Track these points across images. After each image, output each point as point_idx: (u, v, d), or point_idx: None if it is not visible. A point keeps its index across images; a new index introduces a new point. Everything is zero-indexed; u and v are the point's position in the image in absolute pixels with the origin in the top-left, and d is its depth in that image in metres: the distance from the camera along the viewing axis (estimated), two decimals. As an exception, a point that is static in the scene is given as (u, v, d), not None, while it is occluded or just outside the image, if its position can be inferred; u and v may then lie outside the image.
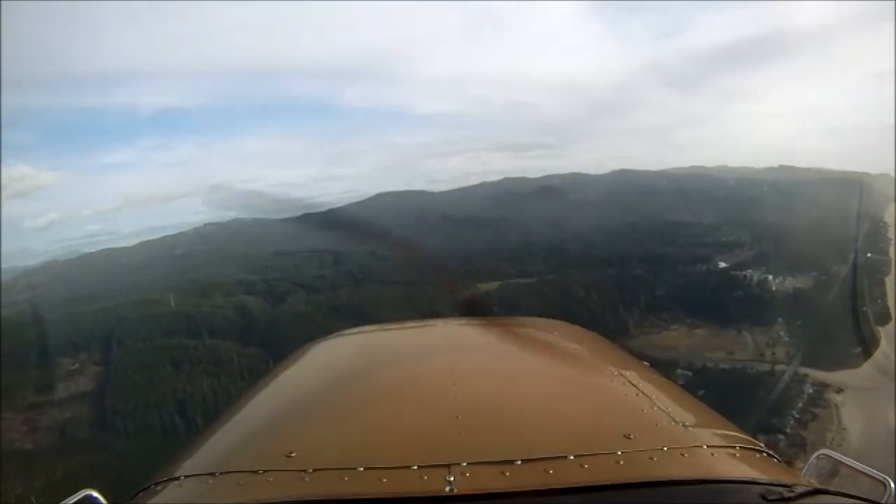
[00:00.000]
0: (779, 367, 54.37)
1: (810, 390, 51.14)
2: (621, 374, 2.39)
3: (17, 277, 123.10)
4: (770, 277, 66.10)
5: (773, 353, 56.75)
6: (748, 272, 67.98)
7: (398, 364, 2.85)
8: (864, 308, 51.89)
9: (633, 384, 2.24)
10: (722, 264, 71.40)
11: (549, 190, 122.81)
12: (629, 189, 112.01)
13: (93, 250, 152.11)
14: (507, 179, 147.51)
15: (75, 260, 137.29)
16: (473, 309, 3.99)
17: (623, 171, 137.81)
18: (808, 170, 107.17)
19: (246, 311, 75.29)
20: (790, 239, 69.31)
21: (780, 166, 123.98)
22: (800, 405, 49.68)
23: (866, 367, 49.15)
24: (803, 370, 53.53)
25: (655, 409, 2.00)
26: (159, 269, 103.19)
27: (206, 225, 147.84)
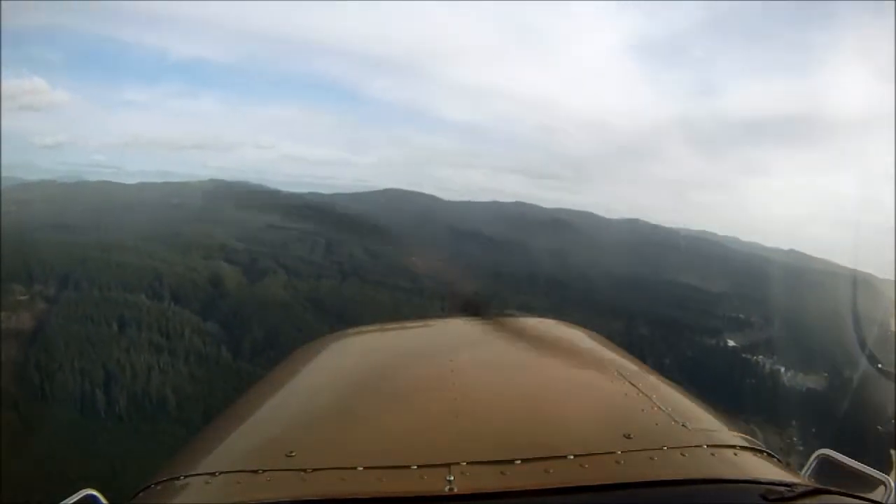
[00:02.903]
0: (797, 487, 44.49)
1: (832, 525, 40.94)
2: (621, 374, 2.27)
3: (10, 190, 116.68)
4: (782, 370, 57.58)
5: (788, 464, 46.78)
6: (759, 358, 59.55)
7: (398, 364, 2.64)
8: (880, 428, 42.35)
9: (633, 384, 2.14)
10: (731, 343, 62.82)
11: (561, 223, 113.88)
12: (640, 240, 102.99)
13: (94, 180, 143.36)
14: (519, 203, 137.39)
15: (71, 185, 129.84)
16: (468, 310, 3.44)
17: (636, 221, 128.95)
18: (817, 259, 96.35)
19: (219, 281, 65.29)
20: (800, 329, 59.49)
21: (790, 250, 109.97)
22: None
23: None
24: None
25: (655, 409, 1.91)
26: (148, 214, 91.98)
27: (211, 180, 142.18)
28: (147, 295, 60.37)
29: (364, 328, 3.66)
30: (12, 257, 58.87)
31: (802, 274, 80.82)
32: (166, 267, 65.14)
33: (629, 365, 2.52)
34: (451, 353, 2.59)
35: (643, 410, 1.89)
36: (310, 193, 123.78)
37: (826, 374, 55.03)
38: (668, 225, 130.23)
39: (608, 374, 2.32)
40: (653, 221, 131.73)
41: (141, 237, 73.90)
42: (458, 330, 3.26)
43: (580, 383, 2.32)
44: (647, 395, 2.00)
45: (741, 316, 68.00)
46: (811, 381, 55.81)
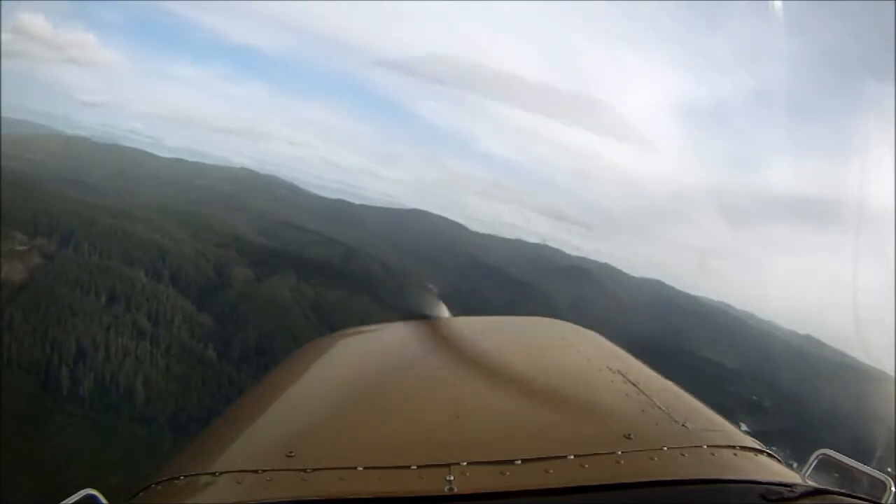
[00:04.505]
0: None
1: None
2: (621, 374, 2.24)
3: (41, 138, 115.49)
4: (794, 465, 51.16)
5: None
6: (773, 449, 53.72)
7: (398, 364, 2.54)
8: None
9: (633, 384, 2.12)
10: (743, 427, 55.77)
11: (582, 272, 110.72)
12: (659, 302, 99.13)
13: (128, 146, 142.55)
14: (543, 246, 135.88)
15: (105, 146, 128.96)
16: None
17: (657, 282, 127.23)
18: (833, 349, 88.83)
19: (225, 271, 60.13)
20: (814, 423, 53.51)
21: (807, 335, 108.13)
22: None
23: None
24: None
25: (655, 409, 1.89)
26: (171, 189, 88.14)
27: (242, 168, 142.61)
28: (146, 272, 55.46)
29: (364, 328, 3.44)
30: (24, 204, 55.80)
31: (818, 363, 77.16)
32: (174, 246, 60.23)
33: (629, 365, 2.42)
34: (451, 352, 2.58)
35: (643, 410, 1.86)
36: (337, 200, 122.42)
37: (837, 476, 50.75)
38: (687, 291, 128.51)
39: (608, 374, 2.23)
40: (673, 284, 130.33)
41: (156, 210, 69.72)
42: (458, 329, 3.08)
43: (580, 383, 2.23)
44: (647, 395, 1.96)
45: (755, 398, 63.21)
46: (823, 484, 51.69)
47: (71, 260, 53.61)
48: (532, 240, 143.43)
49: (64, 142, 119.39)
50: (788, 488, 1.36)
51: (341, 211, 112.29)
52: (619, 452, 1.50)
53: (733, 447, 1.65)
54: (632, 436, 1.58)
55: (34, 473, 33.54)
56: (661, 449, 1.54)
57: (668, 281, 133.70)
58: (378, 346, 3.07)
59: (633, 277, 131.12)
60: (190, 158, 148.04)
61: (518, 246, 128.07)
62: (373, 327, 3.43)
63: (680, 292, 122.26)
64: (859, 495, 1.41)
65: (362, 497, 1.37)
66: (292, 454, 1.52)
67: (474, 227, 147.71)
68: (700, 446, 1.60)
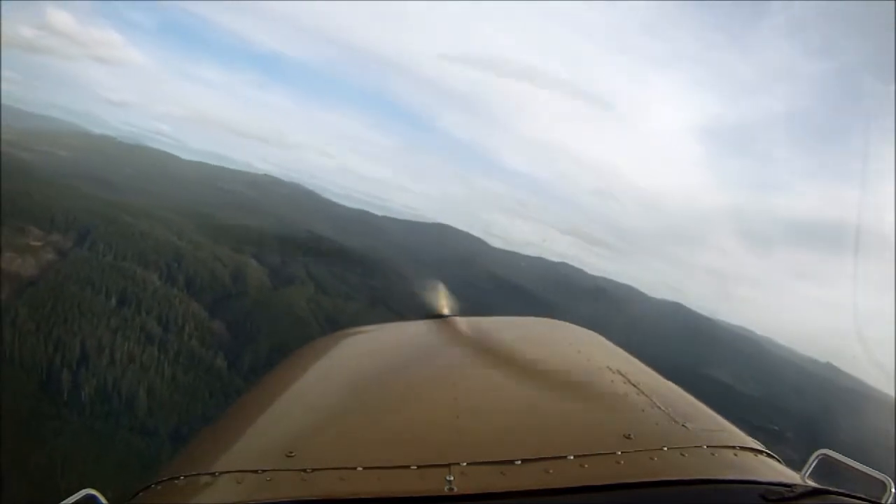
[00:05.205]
0: None
1: None
2: (621, 374, 2.22)
3: (66, 135, 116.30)
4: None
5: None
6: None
7: (398, 364, 2.53)
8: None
9: (633, 384, 2.11)
10: None
11: (603, 293, 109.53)
12: (679, 325, 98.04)
13: (153, 147, 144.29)
14: (565, 264, 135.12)
15: (129, 146, 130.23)
16: None
17: (677, 305, 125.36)
18: (853, 378, 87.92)
19: (241, 278, 58.11)
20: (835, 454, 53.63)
21: (827, 363, 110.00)
22: None
23: None
24: None
25: (655, 409, 1.87)
26: (192, 191, 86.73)
27: (265, 175, 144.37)
28: (161, 274, 53.58)
29: (364, 328, 3.29)
30: (42, 200, 55.11)
31: (837, 392, 77.19)
32: (190, 249, 58.52)
33: (629, 365, 2.40)
34: (451, 353, 2.59)
35: (643, 410, 1.85)
36: (360, 210, 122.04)
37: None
38: (707, 314, 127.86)
39: (608, 374, 2.22)
40: (694, 308, 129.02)
41: (175, 211, 68.52)
42: (458, 330, 3.02)
43: (580, 383, 2.22)
44: (647, 395, 1.96)
45: (776, 428, 57.87)
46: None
47: (84, 258, 52.04)
48: (553, 258, 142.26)
49: (89, 140, 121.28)
50: (788, 488, 1.38)
51: (363, 221, 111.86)
52: (619, 452, 1.50)
53: (733, 447, 1.64)
54: (632, 436, 1.58)
55: (26, 478, 31.86)
56: (661, 449, 1.53)
57: (688, 304, 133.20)
58: (378, 345, 2.97)
59: (653, 299, 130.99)
60: (214, 162, 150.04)
61: (539, 264, 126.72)
62: (373, 327, 3.28)
63: (700, 315, 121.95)
64: (859, 495, 1.36)
65: (362, 497, 1.37)
66: (292, 454, 1.51)
67: (495, 243, 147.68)
68: (700, 446, 1.59)
